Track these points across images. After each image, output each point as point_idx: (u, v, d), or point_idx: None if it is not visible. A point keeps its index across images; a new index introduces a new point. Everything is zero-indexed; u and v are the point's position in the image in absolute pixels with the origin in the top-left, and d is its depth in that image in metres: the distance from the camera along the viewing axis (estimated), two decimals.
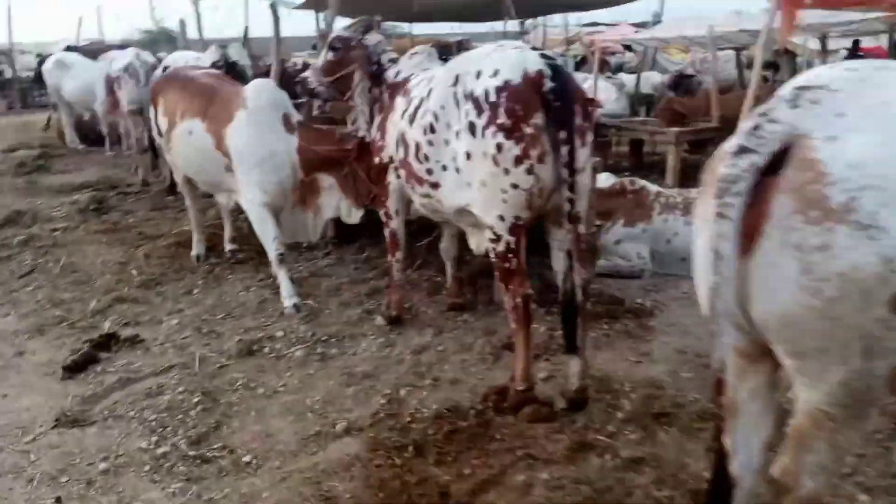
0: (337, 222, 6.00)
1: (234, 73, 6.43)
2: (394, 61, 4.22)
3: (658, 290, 4.96)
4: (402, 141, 3.67)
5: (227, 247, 5.87)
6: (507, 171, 2.99)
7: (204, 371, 3.86)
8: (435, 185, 3.49)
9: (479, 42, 4.08)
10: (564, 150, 2.94)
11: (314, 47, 18.03)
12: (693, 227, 1.89)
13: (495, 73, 3.01)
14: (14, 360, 4.04)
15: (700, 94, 11.47)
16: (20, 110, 16.91)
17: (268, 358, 4.01)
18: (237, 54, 6.62)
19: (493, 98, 2.98)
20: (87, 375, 3.85)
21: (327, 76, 4.37)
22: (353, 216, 4.78)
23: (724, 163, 1.65)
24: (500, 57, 3.07)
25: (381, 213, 4.24)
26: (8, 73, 18.34)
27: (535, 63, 2.98)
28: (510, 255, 3.19)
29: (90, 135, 11.26)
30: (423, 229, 5.30)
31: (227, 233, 5.88)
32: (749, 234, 1.62)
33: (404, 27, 19.11)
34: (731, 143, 1.69)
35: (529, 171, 2.97)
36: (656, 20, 16.90)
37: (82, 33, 16.67)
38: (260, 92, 4.82)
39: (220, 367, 3.90)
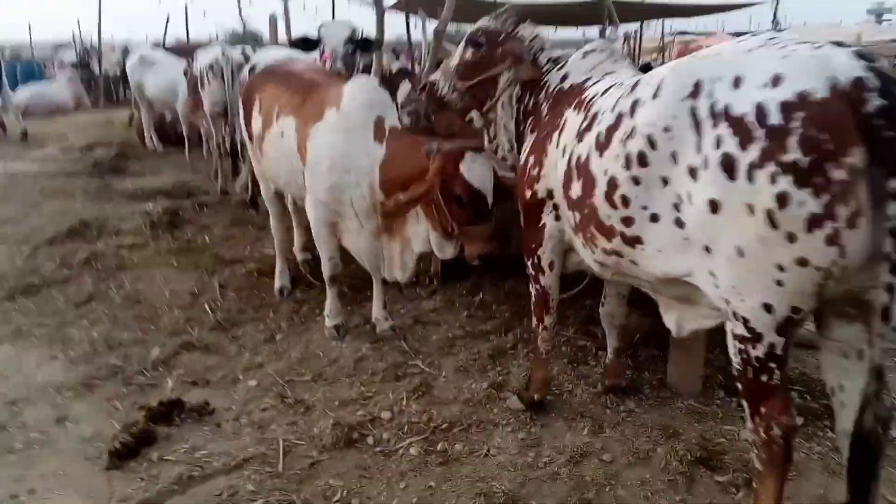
0: None
1: (365, 50, 5.35)
2: (556, 61, 3.15)
3: None
4: (577, 172, 2.60)
5: (300, 256, 5.12)
6: (791, 238, 1.87)
7: (290, 469, 2.87)
8: (634, 241, 2.39)
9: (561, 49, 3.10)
10: (894, 208, 1.79)
11: (393, 51, 17.11)
12: None
13: (776, 81, 1.89)
14: (53, 433, 3.14)
15: None
16: (105, 106, 16.66)
17: (373, 453, 2.99)
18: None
19: (774, 120, 1.86)
20: (140, 465, 2.91)
21: (464, 80, 3.33)
22: (446, 250, 3.70)
23: None
24: (781, 56, 1.94)
25: (529, 264, 3.17)
26: (96, 69, 18.19)
27: (847, 67, 1.84)
28: (771, 365, 2.06)
29: (171, 135, 10.63)
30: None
31: (300, 240, 5.11)
32: None
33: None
34: None
35: (832, 241, 1.83)
36: (778, 28, 15.33)
37: (171, 31, 16.27)
38: (357, 90, 3.84)
39: (312, 465, 2.90)
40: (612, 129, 2.42)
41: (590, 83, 2.87)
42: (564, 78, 3.01)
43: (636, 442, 3.08)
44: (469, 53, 3.29)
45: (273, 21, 7.64)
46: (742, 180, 1.92)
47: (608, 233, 2.49)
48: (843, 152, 1.78)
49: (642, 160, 2.25)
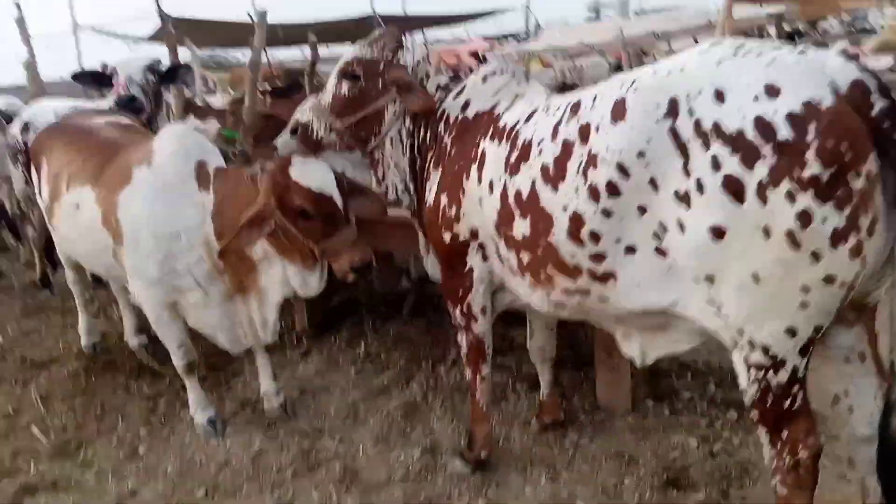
0: (309, 307, 4.51)
1: (171, 79, 4.59)
2: (446, 88, 2.84)
3: None
4: (520, 209, 2.32)
5: (133, 341, 4.28)
6: (816, 257, 1.74)
7: None
8: (605, 278, 2.17)
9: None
10: None
11: None
12: None
13: (772, 91, 1.75)
14: None
15: None
16: None
17: None
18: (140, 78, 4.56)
19: (783, 134, 1.71)
20: None
21: (342, 118, 2.89)
22: (310, 284, 3.16)
23: None
24: (764, 64, 1.80)
25: (457, 313, 2.84)
26: None
27: (845, 71, 1.75)
28: (795, 388, 1.94)
29: None
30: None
31: (131, 323, 4.27)
32: None
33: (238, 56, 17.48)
34: None
35: (856, 253, 1.74)
36: (534, 29, 16.35)
37: None
38: (168, 139, 3.26)
39: None
40: (561, 159, 2.17)
41: (500, 109, 2.60)
42: (466, 106, 2.71)
43: (599, 478, 2.89)
44: (345, 87, 2.86)
45: (30, 67, 6.41)
46: (753, 202, 1.76)
47: (572, 272, 2.24)
48: (862, 160, 1.69)
49: (613, 190, 2.02)
